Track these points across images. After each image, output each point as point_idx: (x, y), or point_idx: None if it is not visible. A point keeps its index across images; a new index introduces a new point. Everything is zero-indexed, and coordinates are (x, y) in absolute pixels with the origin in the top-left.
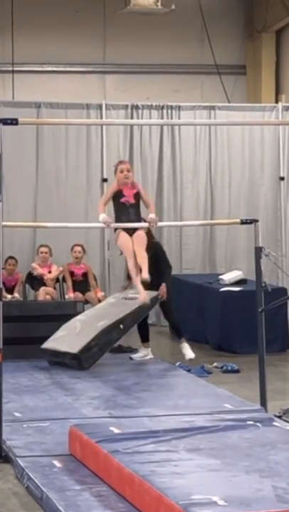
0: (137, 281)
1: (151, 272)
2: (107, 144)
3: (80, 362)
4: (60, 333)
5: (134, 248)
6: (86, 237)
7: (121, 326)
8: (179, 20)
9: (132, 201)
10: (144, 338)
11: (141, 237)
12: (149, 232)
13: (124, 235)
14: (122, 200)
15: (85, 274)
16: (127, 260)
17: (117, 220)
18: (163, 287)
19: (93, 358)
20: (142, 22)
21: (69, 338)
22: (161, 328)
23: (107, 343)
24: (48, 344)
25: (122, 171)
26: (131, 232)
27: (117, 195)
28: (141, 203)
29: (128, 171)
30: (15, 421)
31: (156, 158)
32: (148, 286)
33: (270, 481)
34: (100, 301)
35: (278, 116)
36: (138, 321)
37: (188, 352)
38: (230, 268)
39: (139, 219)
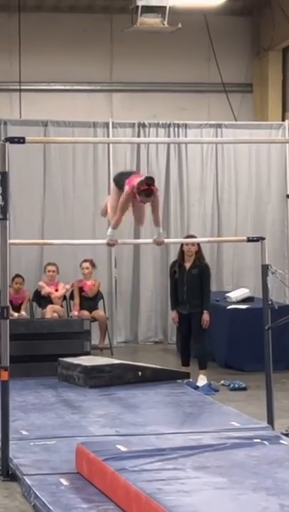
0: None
1: (195, 294)
2: (114, 162)
3: (86, 377)
4: (85, 357)
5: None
6: (93, 255)
7: (139, 373)
8: (185, 38)
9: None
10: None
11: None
12: (199, 252)
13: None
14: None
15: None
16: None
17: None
18: (206, 316)
19: (99, 381)
20: (148, 40)
21: (89, 359)
22: (168, 345)
23: (118, 378)
24: (67, 358)
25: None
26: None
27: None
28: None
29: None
30: (22, 439)
31: (163, 176)
32: (191, 307)
33: (277, 499)
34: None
35: (285, 134)
36: (157, 380)
37: (202, 382)
38: (237, 286)
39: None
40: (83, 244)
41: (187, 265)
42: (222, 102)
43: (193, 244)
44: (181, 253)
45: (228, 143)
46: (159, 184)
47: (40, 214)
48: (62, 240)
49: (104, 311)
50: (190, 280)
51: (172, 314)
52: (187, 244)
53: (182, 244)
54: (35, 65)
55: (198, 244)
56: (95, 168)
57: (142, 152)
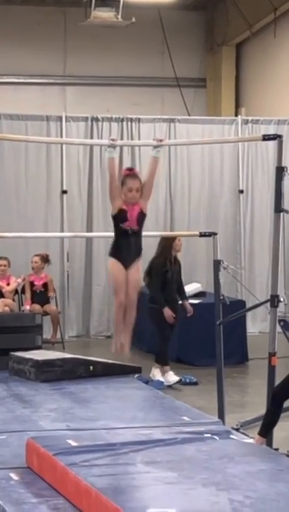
0: (118, 336)
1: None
2: (66, 156)
3: (38, 371)
4: (37, 351)
5: (128, 293)
6: (46, 249)
7: (91, 367)
8: (139, 33)
9: (135, 227)
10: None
11: (136, 281)
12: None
13: (118, 265)
14: (124, 225)
15: (45, 285)
16: (115, 300)
17: (115, 248)
18: (187, 305)
19: (50, 375)
20: (102, 34)
21: (40, 353)
22: None
23: (70, 372)
24: (18, 352)
25: (130, 190)
26: (126, 264)
27: (118, 217)
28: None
29: (137, 191)
30: None
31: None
32: (175, 303)
33: (227, 494)
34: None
35: (238, 130)
36: (109, 374)
37: (158, 375)
38: (189, 280)
39: (139, 250)
40: (36, 238)
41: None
42: (175, 96)
43: (179, 239)
44: (170, 250)
45: (180, 144)
46: None
47: None
48: (15, 233)
49: (56, 305)
50: (177, 277)
51: (168, 311)
52: (179, 240)
53: (172, 241)
54: None
55: None
56: (48, 162)
57: (95, 147)
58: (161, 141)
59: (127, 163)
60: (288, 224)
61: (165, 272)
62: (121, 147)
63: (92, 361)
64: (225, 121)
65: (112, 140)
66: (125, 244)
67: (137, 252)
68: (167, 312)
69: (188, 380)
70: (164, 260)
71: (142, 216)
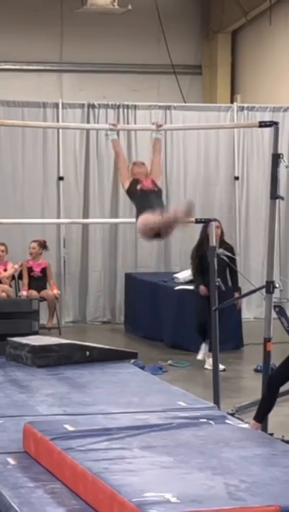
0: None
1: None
2: (63, 142)
3: (34, 356)
4: (33, 336)
5: None
6: (42, 235)
7: (87, 352)
8: (135, 20)
9: (151, 187)
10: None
11: None
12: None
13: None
14: (141, 186)
15: (43, 271)
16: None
17: (140, 209)
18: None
19: (47, 360)
20: (98, 21)
21: (37, 339)
22: (116, 325)
23: (66, 358)
24: (15, 338)
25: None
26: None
27: (132, 186)
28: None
29: (145, 175)
30: None
31: (112, 157)
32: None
33: (222, 479)
34: (56, 298)
35: (233, 116)
36: (105, 360)
37: (200, 353)
38: (185, 267)
39: (162, 204)
40: (32, 224)
41: None
42: (171, 83)
43: (217, 226)
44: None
45: (176, 129)
46: (108, 165)
47: None
48: (12, 219)
49: (59, 289)
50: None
51: (202, 288)
52: (217, 226)
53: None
54: None
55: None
56: (45, 149)
57: (92, 133)
58: (160, 125)
59: (122, 146)
60: (284, 210)
61: (200, 257)
62: (117, 132)
63: (88, 347)
64: (220, 108)
65: (113, 125)
66: (148, 203)
67: (160, 205)
68: (201, 289)
69: (184, 366)
70: (201, 247)
71: (155, 183)
